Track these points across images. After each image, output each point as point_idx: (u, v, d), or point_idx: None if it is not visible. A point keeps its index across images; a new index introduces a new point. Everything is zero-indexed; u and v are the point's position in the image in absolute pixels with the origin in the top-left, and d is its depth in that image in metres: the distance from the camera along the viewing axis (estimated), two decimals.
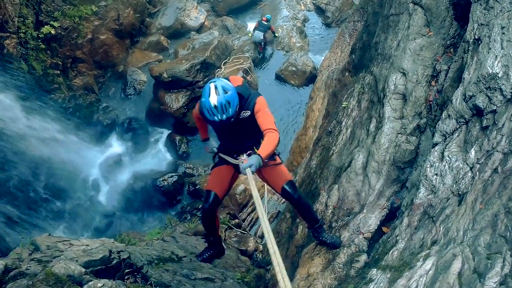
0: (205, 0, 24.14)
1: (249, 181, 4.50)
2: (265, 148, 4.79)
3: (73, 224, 12.64)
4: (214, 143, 5.99)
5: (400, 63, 7.11)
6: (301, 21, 22.68)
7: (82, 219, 13.01)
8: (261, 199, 5.19)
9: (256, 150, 5.13)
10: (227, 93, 4.82)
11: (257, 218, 10.38)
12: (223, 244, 6.85)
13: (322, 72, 13.44)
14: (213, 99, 4.76)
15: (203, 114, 5.04)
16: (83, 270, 4.40)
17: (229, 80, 5.18)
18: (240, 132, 5.30)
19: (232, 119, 4.95)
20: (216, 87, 4.82)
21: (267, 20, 19.78)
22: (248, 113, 5.11)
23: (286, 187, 5.47)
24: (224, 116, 4.83)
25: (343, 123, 8.54)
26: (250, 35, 20.04)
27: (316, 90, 13.14)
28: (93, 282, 4.24)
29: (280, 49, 20.64)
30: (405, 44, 7.20)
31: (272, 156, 5.43)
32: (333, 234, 6.36)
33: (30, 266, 4.45)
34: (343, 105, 8.86)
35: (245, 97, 5.12)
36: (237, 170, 5.60)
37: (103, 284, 4.23)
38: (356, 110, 8.30)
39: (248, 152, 5.35)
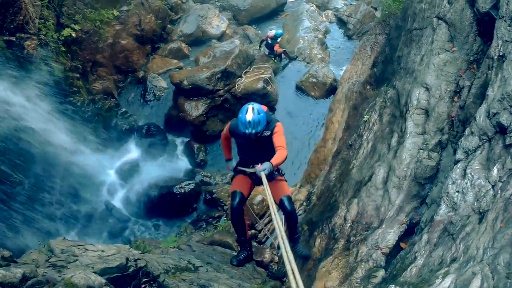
0: (226, 8, 24.18)
1: (263, 182, 5.58)
2: (275, 159, 6.03)
3: (87, 228, 12.62)
4: (234, 163, 7.10)
5: (423, 78, 7.08)
6: (323, 33, 22.55)
7: (96, 223, 12.96)
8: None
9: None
10: (260, 114, 6.15)
11: (274, 229, 10.34)
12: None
13: (343, 85, 13.40)
14: (249, 116, 6.07)
15: (236, 128, 6.37)
16: (103, 281, 4.38)
17: None
18: (259, 148, 6.47)
19: (258, 135, 6.18)
20: (253, 108, 6.14)
21: (273, 38, 19.40)
22: (269, 133, 6.33)
23: (284, 200, 6.55)
24: (254, 131, 6.11)
25: (364, 137, 8.50)
26: (259, 48, 19.78)
27: (336, 102, 13.09)
28: None
29: (301, 60, 20.56)
30: (429, 59, 7.16)
31: (280, 172, 6.75)
32: (305, 247, 7.38)
33: (46, 272, 4.45)
34: (364, 119, 8.83)
35: (270, 121, 6.35)
36: (254, 182, 6.85)
37: None
38: (377, 124, 8.26)
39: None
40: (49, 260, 4.96)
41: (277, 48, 19.39)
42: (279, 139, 6.28)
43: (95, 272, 4.66)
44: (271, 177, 6.28)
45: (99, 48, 16.27)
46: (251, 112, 6.10)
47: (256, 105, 6.25)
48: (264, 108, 6.45)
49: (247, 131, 6.11)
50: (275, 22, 24.53)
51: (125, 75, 17.84)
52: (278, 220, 4.19)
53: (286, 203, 6.52)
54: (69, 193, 12.68)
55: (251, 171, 6.47)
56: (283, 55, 19.98)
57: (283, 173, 6.83)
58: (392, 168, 6.87)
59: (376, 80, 10.25)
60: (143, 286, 5.25)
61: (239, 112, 6.23)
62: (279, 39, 19.50)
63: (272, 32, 19.24)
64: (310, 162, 12.92)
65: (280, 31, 19.79)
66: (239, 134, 6.36)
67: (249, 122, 6.06)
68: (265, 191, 5.36)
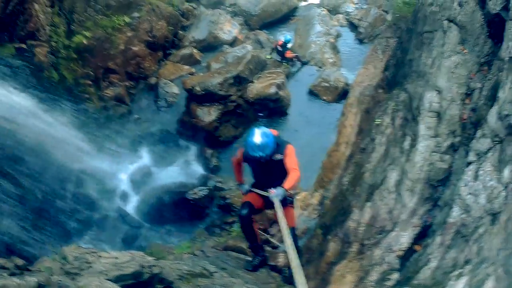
0: (238, 14, 24.29)
1: (276, 207, 5.87)
2: (288, 182, 6.23)
3: (100, 234, 12.68)
4: (247, 186, 7.33)
5: (435, 80, 7.08)
6: (334, 37, 22.58)
7: (109, 229, 13.01)
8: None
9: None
10: (267, 138, 6.35)
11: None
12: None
13: (355, 88, 13.35)
14: (257, 139, 6.28)
15: (246, 152, 6.59)
16: None
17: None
18: (272, 171, 6.70)
19: (268, 158, 6.41)
20: (261, 132, 6.36)
21: (283, 45, 19.38)
22: (280, 156, 6.52)
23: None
24: (263, 154, 6.33)
25: (377, 141, 8.49)
26: (269, 56, 19.75)
27: (349, 106, 13.05)
28: None
29: (313, 64, 20.59)
30: (440, 62, 7.17)
31: (292, 200, 7.07)
32: None
33: (60, 280, 4.48)
34: (376, 122, 8.83)
35: (280, 145, 6.55)
36: (266, 205, 7.04)
37: None
38: (390, 128, 8.26)
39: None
40: (63, 268, 5.00)
41: (289, 54, 19.44)
42: (291, 161, 6.46)
43: (109, 280, 4.70)
44: (283, 202, 6.34)
45: (111, 54, 16.36)
46: (258, 135, 6.34)
47: (263, 129, 6.50)
48: (274, 132, 6.73)
49: (256, 154, 6.36)
50: (286, 26, 24.61)
51: (137, 82, 17.96)
52: (289, 244, 4.58)
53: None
54: (82, 200, 12.77)
55: (264, 194, 6.66)
56: (295, 60, 20.00)
57: (292, 198, 7.12)
58: (405, 171, 6.88)
59: (388, 83, 10.24)
60: None
61: (248, 135, 6.55)
62: (289, 45, 19.53)
63: (281, 40, 19.30)
64: (323, 166, 12.88)
65: (288, 36, 19.84)
66: (251, 159, 6.60)
67: (257, 145, 6.30)
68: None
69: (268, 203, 6.71)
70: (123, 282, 4.89)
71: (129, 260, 5.33)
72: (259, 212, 7.47)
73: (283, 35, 20.54)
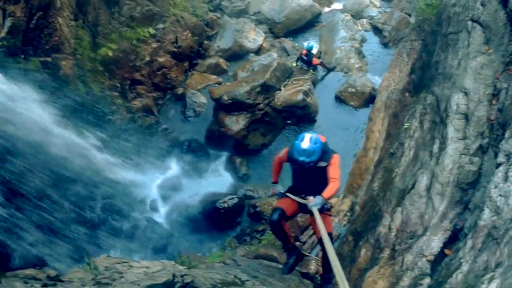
0: (262, 22, 24.32)
1: (315, 217, 5.92)
2: (327, 192, 6.23)
3: (130, 244, 12.75)
4: (280, 187, 7.25)
5: (461, 82, 7.03)
6: (359, 42, 22.44)
7: (139, 239, 13.09)
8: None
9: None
10: (316, 144, 6.33)
11: (316, 243, 10.32)
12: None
13: (381, 93, 13.30)
14: (305, 145, 6.28)
15: (291, 153, 6.54)
16: None
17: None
18: (313, 177, 6.64)
19: (312, 164, 6.37)
20: (310, 137, 6.35)
21: (307, 54, 19.28)
22: (325, 164, 6.47)
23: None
24: (308, 160, 6.32)
25: (406, 145, 8.46)
26: (295, 64, 19.66)
27: (376, 111, 13.01)
28: None
29: (339, 70, 20.51)
30: (466, 63, 7.11)
31: (329, 208, 6.87)
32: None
33: None
34: (404, 126, 8.79)
35: (326, 152, 6.51)
36: (301, 210, 6.98)
37: None
38: (418, 131, 8.22)
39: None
40: (95, 278, 5.09)
41: (315, 61, 19.38)
42: (333, 171, 6.43)
43: None
44: (321, 210, 6.29)
45: (137, 66, 16.50)
46: (307, 141, 6.32)
47: (314, 135, 6.46)
48: (323, 138, 6.62)
49: (300, 159, 6.33)
50: (311, 33, 24.54)
51: (164, 92, 18.06)
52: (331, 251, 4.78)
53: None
54: (111, 211, 12.85)
55: (302, 202, 6.64)
56: (321, 67, 19.96)
57: (330, 206, 6.97)
58: (435, 174, 6.83)
59: (414, 87, 10.18)
60: None
61: (296, 138, 6.51)
62: (314, 50, 19.47)
63: (304, 50, 19.27)
64: (352, 172, 12.86)
65: (311, 43, 19.72)
66: (295, 161, 6.50)
67: (304, 150, 6.29)
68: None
69: (304, 209, 6.74)
70: None
71: (161, 270, 5.40)
72: (290, 218, 7.36)
73: (306, 42, 20.49)
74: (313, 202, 6.17)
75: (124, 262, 5.78)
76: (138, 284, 4.85)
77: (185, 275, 5.51)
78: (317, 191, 6.38)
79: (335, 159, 6.53)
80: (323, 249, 6.57)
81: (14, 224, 9.21)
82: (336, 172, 6.43)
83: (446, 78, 7.73)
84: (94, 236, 11.95)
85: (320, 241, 6.49)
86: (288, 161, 6.92)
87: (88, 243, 11.43)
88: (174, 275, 5.30)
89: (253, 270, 8.03)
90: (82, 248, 10.93)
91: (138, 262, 5.89)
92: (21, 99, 10.55)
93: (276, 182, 7.40)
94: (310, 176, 6.68)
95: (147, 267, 5.60)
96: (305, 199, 6.55)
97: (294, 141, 6.48)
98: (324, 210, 6.62)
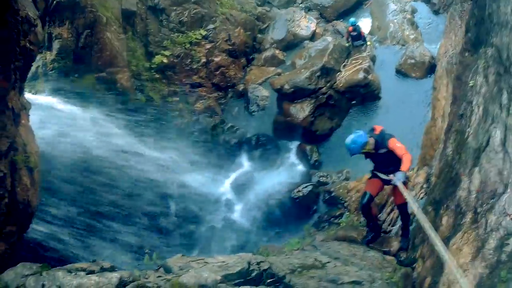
0: (311, 8, 24.22)
1: (400, 189, 7.46)
2: (404, 165, 7.61)
3: (208, 246, 12.86)
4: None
5: None
6: (410, 13, 21.96)
7: (217, 240, 13.20)
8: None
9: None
10: (353, 144, 7.94)
11: (397, 217, 10.06)
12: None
13: (441, 60, 12.89)
14: (347, 141, 8.03)
15: None
16: (219, 277, 4.31)
17: (373, 129, 8.26)
18: (383, 161, 8.14)
19: (354, 154, 8.10)
20: (351, 138, 7.98)
21: (354, 28, 18.77)
22: (385, 150, 7.93)
23: (402, 205, 8.35)
24: (350, 153, 8.09)
25: (474, 102, 8.09)
26: (347, 44, 19.22)
27: (438, 79, 12.64)
28: None
29: (395, 43, 20.06)
30: None
31: (407, 180, 8.06)
32: (406, 241, 8.84)
33: (156, 283, 4.42)
34: (470, 84, 8.42)
35: (379, 141, 7.96)
36: (385, 183, 8.42)
37: None
38: (484, 86, 7.83)
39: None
40: (166, 277, 4.95)
41: (362, 33, 19.05)
42: (399, 150, 7.76)
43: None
44: (404, 182, 7.60)
45: (194, 69, 16.81)
46: (349, 138, 8.02)
47: (357, 134, 8.04)
48: (378, 128, 8.19)
49: (348, 152, 8.10)
50: (361, 12, 24.17)
51: (225, 91, 18.30)
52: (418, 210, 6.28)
53: (404, 207, 8.33)
54: (185, 214, 13.01)
55: (386, 178, 8.11)
56: (365, 39, 19.50)
57: (408, 179, 8.28)
58: (508, 127, 6.46)
59: (472, 45, 9.73)
60: None
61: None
62: (357, 24, 19.20)
63: (350, 27, 18.96)
64: (422, 144, 12.51)
65: (352, 18, 19.51)
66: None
67: (346, 145, 8.03)
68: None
69: (387, 182, 8.21)
70: (229, 282, 4.83)
71: (236, 260, 5.33)
72: (376, 196, 8.83)
73: (350, 20, 20.05)
74: (396, 177, 7.54)
75: (199, 259, 5.79)
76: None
77: (261, 262, 5.43)
78: (392, 171, 7.77)
79: (392, 142, 7.86)
80: (402, 213, 8.54)
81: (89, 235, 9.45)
82: (401, 148, 7.77)
83: (502, 26, 7.34)
84: (170, 241, 12.12)
85: (399, 207, 8.49)
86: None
87: (166, 250, 11.57)
88: (249, 263, 5.23)
89: (333, 251, 7.94)
90: (160, 255, 11.14)
91: (213, 257, 5.85)
92: (82, 119, 10.87)
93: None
94: (380, 161, 8.23)
95: (222, 261, 5.55)
96: (389, 176, 7.93)
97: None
98: (404, 183, 7.70)
